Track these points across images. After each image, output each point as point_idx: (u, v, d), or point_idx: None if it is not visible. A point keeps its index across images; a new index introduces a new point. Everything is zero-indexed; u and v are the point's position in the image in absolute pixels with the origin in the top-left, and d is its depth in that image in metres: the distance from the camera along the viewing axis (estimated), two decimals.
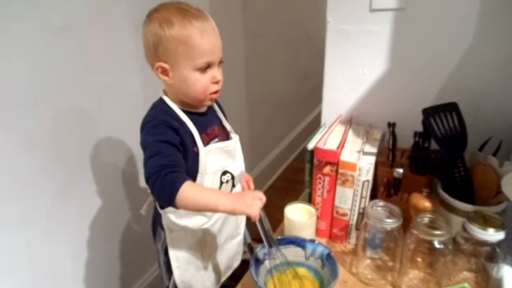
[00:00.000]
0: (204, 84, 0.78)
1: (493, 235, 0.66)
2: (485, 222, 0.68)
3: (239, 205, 0.69)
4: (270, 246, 0.74)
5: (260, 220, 0.72)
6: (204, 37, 0.75)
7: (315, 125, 1.26)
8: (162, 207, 0.86)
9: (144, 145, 0.77)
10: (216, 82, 0.80)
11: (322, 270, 0.76)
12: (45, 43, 0.95)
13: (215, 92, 0.81)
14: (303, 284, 0.75)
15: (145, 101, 0.86)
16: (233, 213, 0.71)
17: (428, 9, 0.89)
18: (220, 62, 0.81)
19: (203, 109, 0.87)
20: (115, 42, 1.13)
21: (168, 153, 0.73)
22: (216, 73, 0.79)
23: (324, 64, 1.06)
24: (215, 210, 0.76)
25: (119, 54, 1.15)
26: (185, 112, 0.82)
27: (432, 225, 0.71)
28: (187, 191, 0.69)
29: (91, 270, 1.18)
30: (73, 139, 1.06)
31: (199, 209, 0.77)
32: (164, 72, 0.78)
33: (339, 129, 0.99)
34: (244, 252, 1.09)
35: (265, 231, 0.73)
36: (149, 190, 0.74)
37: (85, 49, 1.05)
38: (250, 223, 0.98)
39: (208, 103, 0.84)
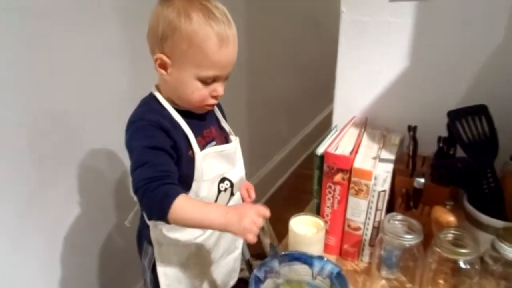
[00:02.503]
0: (202, 95, 0.79)
1: None
2: None
3: (235, 228, 0.70)
4: (274, 256, 0.75)
5: (263, 229, 0.73)
6: (221, 49, 0.74)
7: (324, 127, 1.26)
8: (150, 218, 0.85)
9: (130, 149, 0.77)
10: (215, 97, 0.81)
11: None
12: (21, 32, 0.94)
13: (212, 105, 0.82)
14: None
15: (132, 98, 0.86)
16: (226, 231, 0.72)
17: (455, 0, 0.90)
18: (226, 78, 0.81)
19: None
20: (99, 34, 1.13)
21: (158, 162, 0.74)
22: (219, 87, 0.80)
23: (336, 59, 1.07)
24: (208, 228, 0.79)
25: (103, 47, 1.15)
26: (179, 111, 0.82)
27: (456, 243, 0.71)
28: (181, 206, 0.70)
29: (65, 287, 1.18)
30: (51, 141, 1.06)
31: (193, 226, 0.78)
32: (163, 65, 0.78)
33: (352, 133, 0.99)
34: (241, 270, 1.09)
35: (267, 240, 0.74)
36: (136, 199, 0.74)
37: (65, 42, 1.04)
38: None
39: (201, 112, 0.84)
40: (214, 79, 0.78)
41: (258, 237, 0.72)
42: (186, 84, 0.77)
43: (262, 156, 2.20)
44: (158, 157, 0.74)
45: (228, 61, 0.77)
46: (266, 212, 0.73)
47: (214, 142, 0.87)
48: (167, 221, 0.72)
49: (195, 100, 0.79)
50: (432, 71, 0.97)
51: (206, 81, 0.77)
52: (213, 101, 0.81)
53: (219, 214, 0.71)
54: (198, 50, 0.74)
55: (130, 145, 0.78)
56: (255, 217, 0.70)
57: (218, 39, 0.73)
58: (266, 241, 0.75)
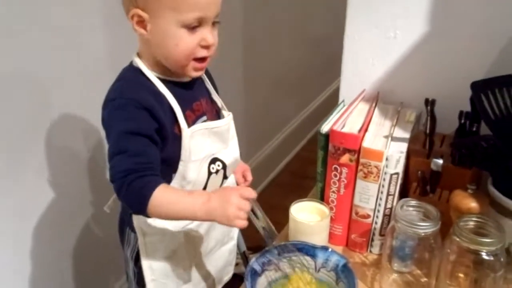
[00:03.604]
0: (189, 45, 0.77)
1: None
2: None
3: (220, 218, 0.73)
4: (267, 234, 0.78)
5: (253, 212, 0.75)
6: None
7: (330, 104, 1.27)
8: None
9: (108, 130, 0.78)
10: (206, 47, 0.79)
11: (337, 285, 0.77)
12: None
13: (203, 59, 0.81)
14: None
15: (111, 66, 0.84)
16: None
17: None
18: (216, 22, 0.80)
19: (188, 78, 0.86)
20: None
21: (136, 151, 0.75)
22: (207, 34, 0.78)
23: (344, 25, 1.06)
24: (193, 220, 0.82)
25: (76, 4, 1.13)
26: (164, 82, 0.81)
27: (479, 231, 0.72)
28: (160, 199, 0.73)
29: (35, 286, 1.18)
30: (15, 116, 1.05)
31: (176, 219, 0.82)
32: (141, 23, 0.77)
33: (362, 108, 0.99)
34: (236, 264, 1.11)
35: (258, 220, 0.77)
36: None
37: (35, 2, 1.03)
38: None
39: (192, 73, 0.83)
40: (200, 23, 0.76)
41: (250, 221, 0.74)
42: (169, 35, 0.76)
43: (260, 137, 2.21)
44: (137, 145, 0.75)
45: None
46: (252, 193, 0.75)
47: (205, 117, 0.87)
48: (147, 216, 0.75)
49: (182, 53, 0.78)
50: (455, 38, 0.96)
51: (190, 26, 0.76)
52: (203, 52, 0.80)
53: (201, 204, 0.74)
54: None
55: (108, 126, 0.78)
56: (240, 201, 0.73)
57: None
58: (259, 224, 0.77)
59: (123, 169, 0.73)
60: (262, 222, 0.77)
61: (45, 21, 1.07)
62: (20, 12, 1.01)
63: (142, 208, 0.73)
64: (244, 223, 0.72)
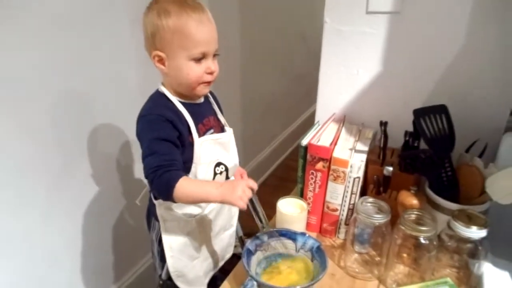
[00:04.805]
0: (197, 73, 0.79)
1: (476, 233, 0.68)
2: (469, 220, 0.69)
3: (228, 197, 0.72)
4: (262, 224, 0.77)
5: (252, 202, 0.75)
6: (199, 27, 0.76)
7: (307, 125, 1.26)
8: (157, 198, 0.86)
9: (141, 140, 0.79)
10: (211, 73, 0.81)
11: (312, 262, 0.77)
12: (46, 31, 0.94)
13: (209, 83, 0.82)
14: (292, 274, 0.77)
15: (142, 92, 0.86)
16: (223, 203, 0.74)
17: (422, 13, 0.91)
18: (215, 55, 0.81)
19: (200, 100, 0.88)
20: (115, 34, 1.13)
21: (163, 152, 0.75)
22: (210, 64, 0.80)
23: (320, 63, 1.07)
24: (207, 201, 0.81)
25: (118, 46, 1.15)
26: (182, 103, 0.83)
27: (418, 222, 0.73)
28: (182, 187, 0.72)
29: (85, 257, 1.18)
30: (71, 127, 1.06)
31: (195, 202, 0.81)
32: (161, 61, 0.79)
33: (332, 127, 0.99)
34: (235, 246, 1.10)
35: (256, 212, 0.76)
36: (146, 182, 0.75)
37: (85, 39, 1.05)
38: (242, 216, 0.99)
39: (202, 92, 0.84)
40: (203, 56, 0.78)
41: (249, 210, 0.74)
42: (182, 68, 0.78)
43: (254, 149, 2.20)
44: (164, 148, 0.76)
45: (210, 37, 0.78)
46: (254, 184, 0.75)
47: (212, 130, 0.88)
48: (172, 200, 0.74)
49: (192, 80, 0.79)
50: (402, 74, 0.98)
51: (197, 59, 0.78)
52: (209, 78, 0.81)
53: (215, 188, 0.74)
54: (181, 34, 0.75)
55: (141, 136, 0.79)
56: (246, 188, 0.73)
57: (194, 20, 0.75)
58: (257, 209, 0.77)
59: (154, 166, 0.73)
60: (259, 212, 0.76)
61: (98, 65, 1.10)
62: (79, 51, 1.04)
63: (169, 195, 0.73)
64: (245, 206, 0.72)
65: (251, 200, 0.74)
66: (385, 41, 0.96)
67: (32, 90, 0.94)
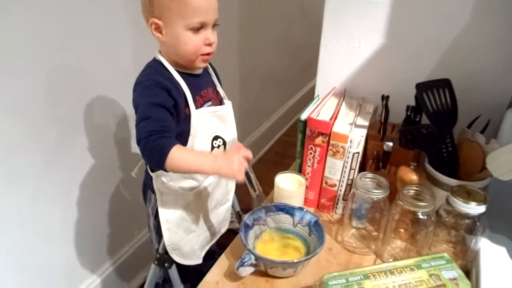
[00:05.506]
0: (195, 44, 0.77)
1: (475, 208, 0.68)
2: (468, 196, 0.69)
3: (225, 170, 0.72)
4: (255, 192, 0.77)
5: (247, 173, 0.75)
6: None
7: (306, 100, 1.25)
8: (153, 170, 0.85)
9: (136, 105, 0.77)
10: (209, 44, 0.79)
11: (309, 237, 0.79)
12: (36, 3, 0.90)
13: (208, 54, 0.80)
14: (290, 249, 0.78)
15: (137, 64, 0.84)
16: (219, 176, 0.72)
17: None
18: (215, 25, 0.79)
19: (198, 71, 0.86)
20: (108, 4, 1.09)
21: (158, 118, 0.73)
22: (209, 34, 0.78)
23: (320, 36, 1.04)
24: (201, 173, 0.79)
25: (111, 17, 1.11)
26: (180, 73, 0.81)
27: (417, 197, 0.73)
28: (175, 155, 0.70)
29: (80, 232, 1.19)
30: (64, 101, 1.04)
31: (188, 172, 0.79)
32: (158, 29, 0.77)
33: (332, 102, 0.98)
34: (231, 222, 1.10)
35: (249, 179, 0.76)
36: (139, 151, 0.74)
37: (77, 10, 1.01)
38: (239, 192, 0.99)
39: (201, 65, 0.82)
40: (202, 26, 0.76)
41: (245, 185, 0.75)
42: (180, 37, 0.76)
43: (251, 124, 2.18)
44: (160, 113, 0.74)
45: (209, 6, 0.76)
46: (250, 154, 0.75)
47: (210, 102, 0.86)
48: (164, 169, 0.72)
49: (190, 50, 0.77)
50: (405, 47, 0.96)
51: (195, 29, 0.76)
52: (207, 49, 0.79)
53: (210, 161, 0.73)
54: (180, 1, 0.73)
55: (136, 102, 0.77)
56: (241, 159, 0.73)
57: None
58: (250, 175, 0.77)
59: (147, 130, 0.71)
60: (252, 179, 0.77)
61: (93, 32, 1.07)
62: (72, 30, 1.01)
63: (161, 162, 0.70)
64: (241, 177, 0.71)
65: (246, 174, 0.74)
66: (389, 13, 0.94)
67: (23, 65, 0.91)
